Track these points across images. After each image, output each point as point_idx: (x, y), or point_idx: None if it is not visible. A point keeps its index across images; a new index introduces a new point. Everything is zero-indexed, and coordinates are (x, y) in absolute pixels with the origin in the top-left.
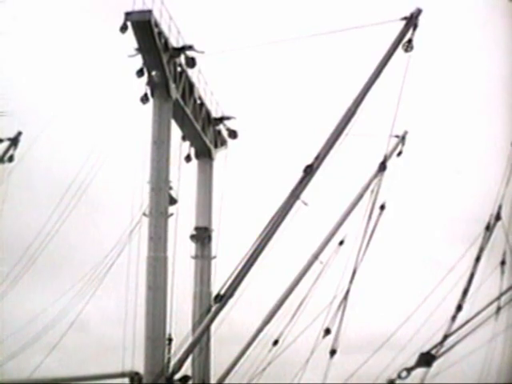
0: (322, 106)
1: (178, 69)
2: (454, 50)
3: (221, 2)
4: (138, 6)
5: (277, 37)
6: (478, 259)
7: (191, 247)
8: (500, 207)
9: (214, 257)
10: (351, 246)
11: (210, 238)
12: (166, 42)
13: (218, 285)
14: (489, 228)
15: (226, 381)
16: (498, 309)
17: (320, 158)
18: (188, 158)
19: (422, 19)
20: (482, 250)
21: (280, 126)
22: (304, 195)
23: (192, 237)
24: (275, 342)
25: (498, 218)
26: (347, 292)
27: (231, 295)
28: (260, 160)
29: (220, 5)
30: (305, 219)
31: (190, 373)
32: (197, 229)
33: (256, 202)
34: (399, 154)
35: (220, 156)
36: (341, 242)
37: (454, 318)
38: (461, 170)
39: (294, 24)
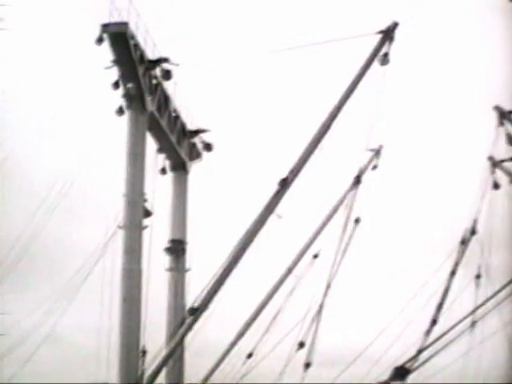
0: (298, 119)
1: (154, 81)
2: (443, 56)
3: (196, 16)
4: (115, 19)
5: (253, 50)
6: (453, 273)
7: (166, 260)
8: (475, 221)
9: (189, 269)
10: (326, 259)
11: (184, 250)
12: (142, 55)
13: (192, 297)
14: (464, 242)
15: None
16: (473, 323)
17: (295, 172)
18: (163, 171)
19: (416, 25)
20: (457, 264)
21: (255, 140)
22: (279, 208)
23: (166, 249)
24: (249, 355)
25: (473, 232)
26: (321, 305)
27: (205, 308)
28: (235, 173)
29: (196, 18)
30: (279, 232)
31: None
32: (171, 241)
33: (231, 215)
34: (374, 167)
35: (195, 169)
36: (315, 256)
37: (428, 332)
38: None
39: (270, 37)
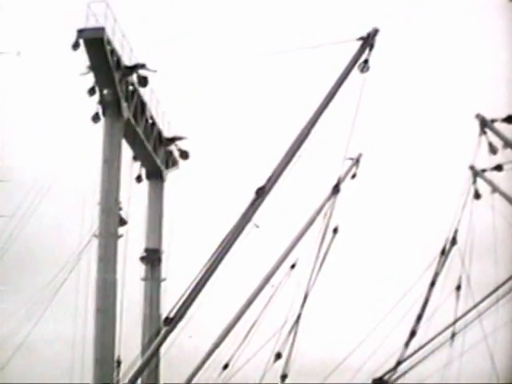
0: (277, 126)
1: (130, 88)
2: (425, 62)
3: (174, 21)
4: (91, 24)
5: (231, 56)
6: (432, 284)
7: (141, 269)
8: (456, 232)
9: (164, 279)
10: (303, 269)
11: (160, 259)
12: (119, 61)
13: (167, 307)
14: (444, 252)
15: None
16: (453, 335)
17: (272, 180)
18: (139, 179)
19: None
20: (436, 274)
21: (233, 147)
22: (256, 218)
23: (142, 258)
24: (225, 366)
25: (453, 242)
26: (298, 316)
27: (181, 318)
28: (212, 181)
29: (174, 23)
30: (257, 242)
31: None
32: (147, 250)
33: (207, 224)
34: (353, 176)
35: (171, 177)
36: (292, 266)
37: (407, 343)
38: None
39: (248, 43)
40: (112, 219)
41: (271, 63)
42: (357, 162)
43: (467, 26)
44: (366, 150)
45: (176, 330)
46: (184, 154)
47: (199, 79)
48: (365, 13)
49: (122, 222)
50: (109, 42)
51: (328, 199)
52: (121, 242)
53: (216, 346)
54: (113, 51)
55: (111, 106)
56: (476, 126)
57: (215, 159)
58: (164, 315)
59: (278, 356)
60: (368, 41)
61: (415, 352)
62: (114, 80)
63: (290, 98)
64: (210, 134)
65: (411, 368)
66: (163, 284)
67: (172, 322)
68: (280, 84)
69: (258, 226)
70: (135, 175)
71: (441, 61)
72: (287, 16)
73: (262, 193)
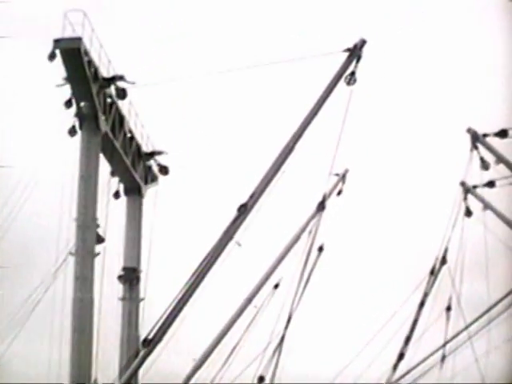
0: (260, 141)
1: (108, 100)
2: (414, 74)
3: (153, 32)
4: (68, 33)
5: (213, 68)
6: (421, 305)
7: (119, 288)
8: (446, 251)
9: (143, 299)
10: (287, 289)
11: (138, 279)
12: (96, 72)
13: (146, 328)
14: (434, 272)
15: None
16: (443, 357)
17: (255, 197)
18: (117, 195)
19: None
20: (426, 295)
21: (215, 162)
22: (238, 235)
23: (120, 277)
24: None
25: (443, 261)
26: (282, 338)
27: (160, 339)
28: (193, 198)
29: (152, 34)
30: (239, 260)
31: None
32: (125, 269)
33: (188, 242)
34: (339, 193)
35: (150, 193)
36: (276, 286)
37: (395, 366)
38: (409, 198)
39: (231, 55)
40: (89, 236)
41: (254, 76)
42: (343, 177)
43: (461, 32)
44: (353, 165)
45: (155, 352)
46: (164, 170)
47: (180, 91)
48: (354, 23)
49: (100, 240)
50: (86, 53)
51: (313, 216)
52: (98, 261)
53: (196, 368)
54: (90, 62)
55: (88, 119)
56: (467, 140)
57: (196, 174)
58: (143, 336)
59: (261, 379)
60: (355, 52)
61: (404, 375)
62: (92, 92)
63: (274, 112)
64: (191, 148)
65: None
66: (142, 304)
67: (151, 344)
68: (264, 97)
69: (239, 245)
70: (113, 191)
71: (431, 72)
72: (275, 26)
73: (244, 210)
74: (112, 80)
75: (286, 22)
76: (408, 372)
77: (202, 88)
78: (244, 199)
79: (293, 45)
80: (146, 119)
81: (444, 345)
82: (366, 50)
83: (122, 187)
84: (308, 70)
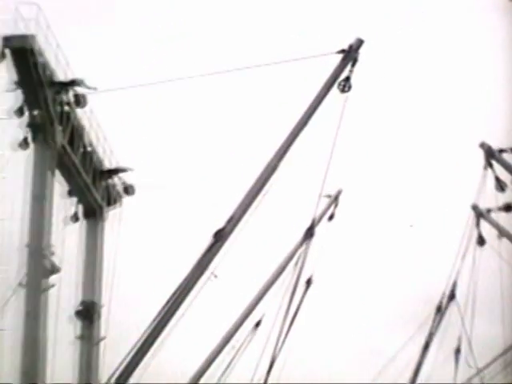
0: (242, 155)
1: (66, 108)
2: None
3: (123, 31)
4: (20, 30)
5: (189, 71)
6: (426, 346)
7: (76, 325)
8: (454, 285)
9: (104, 337)
10: (270, 328)
11: (98, 314)
12: (52, 75)
13: (107, 372)
14: (440, 309)
15: None
16: None
17: (234, 221)
18: (75, 218)
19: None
20: (431, 335)
21: (188, 180)
22: (214, 265)
23: (77, 313)
24: None
25: (452, 297)
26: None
27: None
28: (162, 221)
29: (119, 35)
30: (215, 294)
31: None
32: (83, 303)
33: (157, 272)
34: (331, 217)
35: (113, 215)
36: (257, 324)
37: None
38: (413, 223)
39: (208, 57)
40: (42, 265)
41: (235, 81)
42: (335, 199)
43: (461, 33)
44: (348, 184)
45: None
46: (128, 189)
47: (151, 98)
48: (354, 23)
49: (54, 270)
50: (40, 53)
51: (300, 245)
52: (52, 293)
53: None
54: (45, 64)
55: (42, 130)
56: (480, 156)
57: (166, 194)
58: (103, 381)
59: None
60: (350, 54)
61: None
62: (46, 98)
63: (258, 122)
64: (161, 164)
65: None
66: (102, 343)
67: None
68: (247, 105)
69: (216, 276)
70: (71, 213)
71: (435, 78)
72: (269, 25)
73: (221, 236)
74: (70, 85)
75: (282, 21)
76: None
77: (175, 94)
78: (221, 223)
79: (288, 46)
80: (109, 131)
81: None
82: (363, 52)
83: (80, 209)
84: (298, 75)
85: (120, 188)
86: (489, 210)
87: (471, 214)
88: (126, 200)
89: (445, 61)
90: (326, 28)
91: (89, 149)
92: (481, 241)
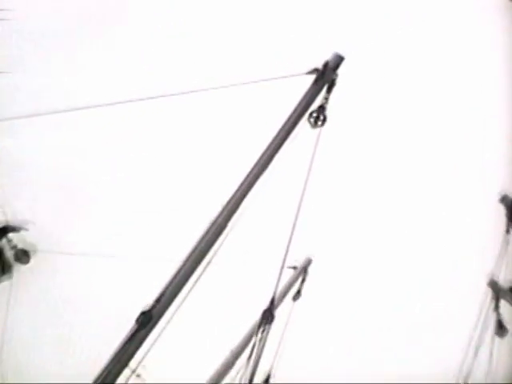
0: (181, 204)
1: None
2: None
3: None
4: None
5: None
6: None
7: None
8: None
9: None
10: None
11: None
12: None
13: None
14: None
15: None
16: None
17: (164, 302)
18: None
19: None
20: None
21: (104, 239)
22: (137, 360)
23: None
24: None
25: None
26: None
27: None
28: (69, 297)
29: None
30: None
31: None
32: None
33: (60, 362)
34: (297, 295)
35: (1, 288)
36: None
37: None
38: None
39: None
40: None
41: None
42: (303, 272)
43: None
44: (320, 252)
45: None
46: (22, 256)
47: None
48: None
49: None
50: None
51: (255, 331)
52: None
53: None
54: None
55: None
56: (500, 213)
57: (74, 261)
58: None
59: None
60: (324, 75)
61: None
62: None
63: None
64: (65, 218)
65: None
66: None
67: None
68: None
69: (139, 376)
70: None
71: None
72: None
73: (147, 321)
74: None
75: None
76: None
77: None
78: (147, 303)
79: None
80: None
81: None
82: (344, 72)
83: None
84: (262, 102)
85: (10, 254)
86: None
87: (487, 293)
88: (19, 269)
89: (444, 61)
90: (307, 41)
91: None
92: (500, 330)
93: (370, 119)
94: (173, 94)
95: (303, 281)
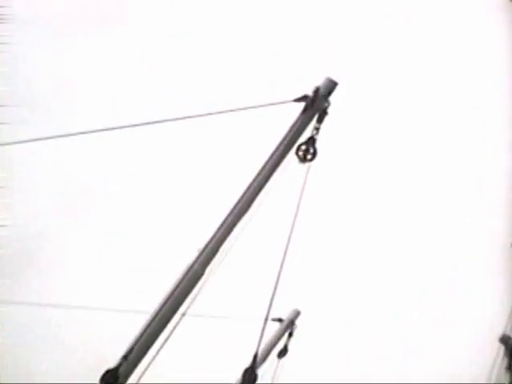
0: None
1: None
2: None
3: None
4: None
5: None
6: None
7: None
8: None
9: None
10: None
11: None
12: None
13: None
14: None
15: None
16: None
17: (133, 358)
18: None
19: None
20: None
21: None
22: None
23: None
24: None
25: None
26: None
27: None
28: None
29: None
30: None
31: None
32: None
33: None
34: (282, 352)
35: None
36: None
37: None
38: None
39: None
40: None
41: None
42: (291, 324)
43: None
44: (308, 304)
45: None
46: None
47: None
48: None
49: None
50: None
51: None
52: None
53: None
54: None
55: None
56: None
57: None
58: None
59: None
60: (314, 104)
61: None
62: None
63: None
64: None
65: None
66: None
67: None
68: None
69: None
70: None
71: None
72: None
73: (113, 381)
74: None
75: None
76: None
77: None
78: (112, 363)
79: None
80: None
81: None
82: (336, 99)
83: None
84: (245, 131)
85: None
86: None
87: (500, 349)
88: None
89: (445, 61)
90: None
91: None
92: None
93: (364, 149)
94: (155, 122)
95: (290, 335)
